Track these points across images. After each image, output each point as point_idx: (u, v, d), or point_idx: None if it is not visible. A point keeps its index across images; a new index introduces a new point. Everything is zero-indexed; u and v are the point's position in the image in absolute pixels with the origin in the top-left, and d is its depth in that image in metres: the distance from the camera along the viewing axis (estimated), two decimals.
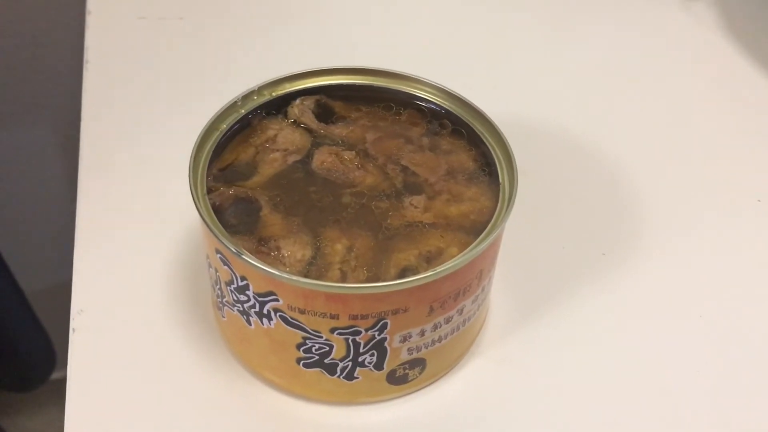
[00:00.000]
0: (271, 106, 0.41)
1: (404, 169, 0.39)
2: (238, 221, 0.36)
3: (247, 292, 0.34)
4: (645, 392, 0.40)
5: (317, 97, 0.41)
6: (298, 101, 0.41)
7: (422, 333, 0.35)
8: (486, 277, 0.37)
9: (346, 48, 0.58)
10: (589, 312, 0.43)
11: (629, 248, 0.46)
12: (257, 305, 0.35)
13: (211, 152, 0.38)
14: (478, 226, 0.36)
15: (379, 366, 0.36)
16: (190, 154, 0.37)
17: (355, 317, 0.33)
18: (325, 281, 0.34)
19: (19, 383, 0.94)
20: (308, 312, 0.33)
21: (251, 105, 0.40)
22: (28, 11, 0.76)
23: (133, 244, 0.44)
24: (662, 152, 0.52)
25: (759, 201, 0.49)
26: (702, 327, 0.42)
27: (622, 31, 0.62)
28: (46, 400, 1.08)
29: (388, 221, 0.37)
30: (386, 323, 0.34)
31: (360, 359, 0.35)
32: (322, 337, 0.34)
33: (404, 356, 0.36)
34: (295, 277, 0.33)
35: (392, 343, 0.35)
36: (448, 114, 0.41)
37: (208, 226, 0.34)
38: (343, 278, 0.34)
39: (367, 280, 0.34)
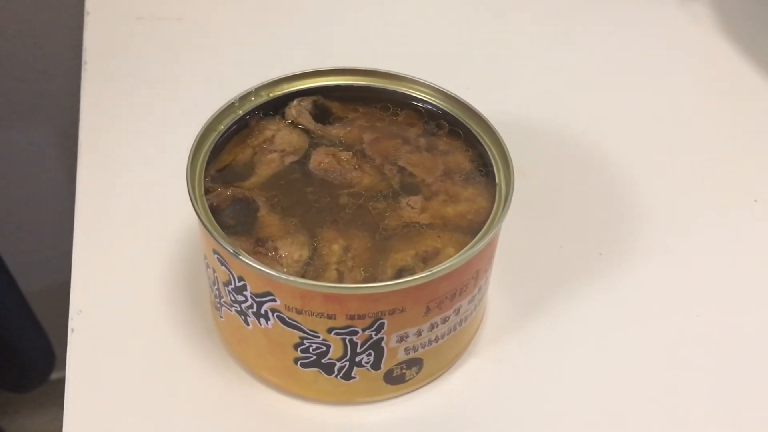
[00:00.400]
0: (269, 107, 0.41)
1: (401, 169, 0.39)
2: (236, 222, 0.36)
3: (244, 293, 0.35)
4: (642, 391, 0.40)
5: (314, 97, 0.42)
6: (295, 102, 0.41)
7: (419, 333, 0.35)
8: (483, 277, 0.37)
9: (343, 49, 0.59)
10: (587, 312, 0.43)
11: (626, 248, 0.46)
12: (255, 305, 0.35)
13: (208, 153, 0.38)
14: (474, 226, 0.36)
15: (376, 366, 0.36)
16: (187, 155, 0.37)
17: (352, 317, 0.34)
18: (322, 282, 0.34)
19: (18, 383, 0.94)
20: (305, 312, 0.34)
21: (249, 106, 0.40)
22: (26, 11, 0.76)
23: (132, 245, 0.44)
24: (659, 152, 0.53)
25: (756, 201, 0.49)
26: (700, 326, 0.43)
27: (620, 31, 0.63)
28: (46, 400, 1.08)
29: (385, 222, 0.37)
30: (383, 323, 0.34)
31: (357, 359, 0.36)
32: (319, 337, 0.34)
33: (401, 356, 0.36)
34: (292, 278, 0.33)
35: (389, 343, 0.35)
36: (445, 114, 0.41)
37: (205, 226, 0.34)
38: (340, 279, 0.35)
39: (364, 281, 0.35)
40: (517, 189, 0.37)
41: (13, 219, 0.95)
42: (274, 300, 0.34)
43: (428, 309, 0.35)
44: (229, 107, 0.40)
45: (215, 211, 0.36)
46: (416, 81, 0.41)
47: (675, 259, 0.46)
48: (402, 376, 0.37)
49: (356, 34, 0.60)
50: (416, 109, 0.41)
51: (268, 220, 0.36)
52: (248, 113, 0.40)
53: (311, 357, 0.36)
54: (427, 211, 0.37)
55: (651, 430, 0.38)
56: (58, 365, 0.93)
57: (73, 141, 0.51)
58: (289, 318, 0.34)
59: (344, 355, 0.35)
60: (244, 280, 0.34)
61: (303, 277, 0.34)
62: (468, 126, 0.40)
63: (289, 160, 0.39)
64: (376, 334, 0.35)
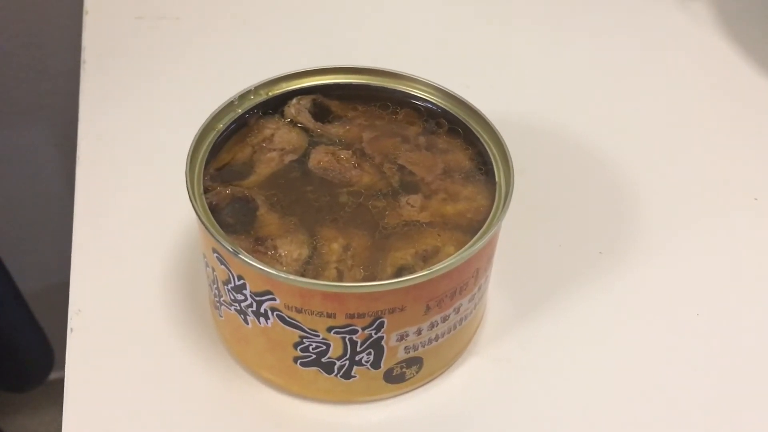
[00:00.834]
0: (268, 105, 0.41)
1: (401, 168, 0.39)
2: (235, 221, 0.36)
3: (244, 291, 0.34)
4: (642, 390, 0.40)
5: (314, 96, 0.41)
6: (294, 101, 0.41)
7: (419, 332, 0.35)
8: (483, 275, 0.37)
9: (342, 47, 0.58)
10: (586, 310, 0.43)
11: (626, 247, 0.46)
12: (254, 304, 0.35)
13: (207, 152, 0.38)
14: (474, 224, 0.36)
15: (376, 365, 0.36)
16: (186, 154, 0.37)
17: (351, 316, 0.33)
18: (321, 280, 0.34)
19: (17, 383, 0.94)
20: (305, 311, 0.33)
21: (248, 104, 0.40)
22: (25, 11, 0.76)
23: (131, 244, 0.44)
24: (659, 151, 0.52)
25: (756, 199, 0.49)
26: (699, 325, 0.43)
27: (620, 30, 0.62)
28: (46, 400, 1.08)
29: (385, 220, 0.37)
30: (383, 322, 0.34)
31: (357, 358, 0.35)
32: (319, 336, 0.34)
33: (401, 355, 0.36)
34: (292, 276, 0.33)
35: (389, 341, 0.35)
36: (445, 113, 0.41)
37: (204, 225, 0.34)
38: (340, 277, 0.34)
39: (364, 279, 0.34)
40: (517, 188, 0.37)
41: (12, 219, 0.95)
42: (273, 299, 0.34)
43: (428, 308, 0.35)
44: (229, 106, 0.40)
45: (214, 209, 0.36)
46: (416, 79, 0.41)
47: (675, 257, 0.46)
48: (402, 375, 0.37)
49: (356, 32, 0.60)
50: (416, 107, 0.41)
51: (268, 218, 0.36)
52: (247, 112, 0.40)
53: (311, 356, 0.36)
54: (427, 210, 0.37)
55: (651, 429, 0.38)
56: (57, 365, 0.93)
57: (72, 140, 0.51)
58: (288, 317, 0.34)
59: (344, 354, 0.35)
60: (243, 279, 0.34)
61: (302, 275, 0.34)
62: (468, 124, 0.40)
63: (288, 158, 0.39)
64: (375, 333, 0.34)
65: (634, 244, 0.46)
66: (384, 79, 0.42)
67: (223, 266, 0.35)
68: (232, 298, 0.36)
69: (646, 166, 0.51)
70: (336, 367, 0.36)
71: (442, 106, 0.41)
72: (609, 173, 0.50)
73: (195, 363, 0.39)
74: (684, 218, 0.48)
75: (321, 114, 0.41)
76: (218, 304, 0.38)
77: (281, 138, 0.40)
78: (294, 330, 0.34)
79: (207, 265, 0.37)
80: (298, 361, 0.36)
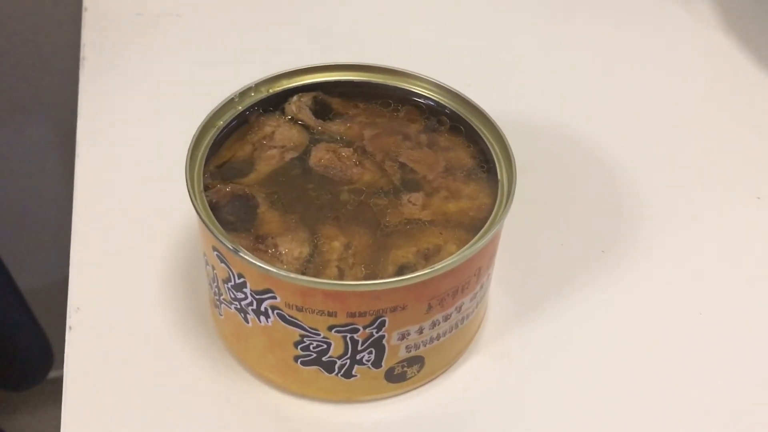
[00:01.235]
0: (269, 102, 0.40)
1: (402, 165, 0.39)
2: (235, 218, 0.36)
3: (244, 290, 0.34)
4: (644, 389, 0.39)
5: (315, 93, 0.41)
6: (295, 98, 0.41)
7: (420, 331, 0.35)
8: (485, 274, 0.37)
9: (343, 44, 0.58)
10: (588, 309, 0.43)
11: (628, 245, 0.46)
12: (255, 303, 0.34)
13: (207, 149, 0.37)
14: (476, 223, 0.36)
15: (377, 364, 0.36)
16: (186, 151, 0.36)
17: (353, 315, 0.33)
18: (322, 279, 0.34)
19: (17, 382, 0.93)
20: (306, 309, 0.33)
21: (248, 102, 0.40)
22: (24, 8, 0.76)
23: (130, 242, 0.44)
24: (661, 149, 0.52)
25: (758, 198, 0.49)
26: (702, 324, 0.42)
27: (622, 28, 0.62)
28: (45, 399, 1.08)
29: (387, 218, 0.36)
30: (384, 321, 0.34)
31: (358, 357, 0.35)
32: (319, 334, 0.34)
33: (402, 354, 0.36)
34: (292, 275, 0.32)
35: (390, 340, 0.35)
36: (446, 110, 0.40)
37: (205, 223, 0.34)
38: (341, 276, 0.34)
39: (365, 278, 0.34)
40: (519, 186, 0.37)
41: (11, 216, 0.94)
42: (274, 297, 0.33)
43: (430, 306, 0.34)
44: (229, 103, 0.39)
45: (214, 207, 0.35)
46: (417, 77, 0.41)
47: (677, 256, 0.46)
48: (403, 374, 0.37)
49: (357, 29, 0.60)
50: (417, 105, 0.41)
51: (268, 216, 0.36)
52: (248, 109, 0.40)
53: (311, 355, 0.35)
54: (429, 208, 0.37)
55: (652, 427, 0.38)
56: (56, 364, 0.93)
57: (71, 138, 0.50)
58: (289, 315, 0.34)
59: (345, 353, 0.35)
60: (243, 277, 0.34)
61: (303, 274, 0.34)
62: (469, 122, 0.40)
63: (289, 156, 0.39)
64: (377, 332, 0.34)
65: (636, 242, 0.46)
66: (385, 76, 0.41)
67: (223, 264, 0.34)
68: (233, 296, 0.35)
69: (649, 164, 0.51)
70: (337, 366, 0.36)
71: (443, 103, 0.41)
72: (611, 172, 0.50)
73: (195, 362, 0.39)
74: (686, 217, 0.48)
75: (322, 111, 0.41)
76: (218, 303, 0.38)
77: (282, 135, 0.40)
78: (294, 329, 0.34)
79: (207, 264, 0.37)
80: (299, 360, 0.36)
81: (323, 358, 0.35)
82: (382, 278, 0.34)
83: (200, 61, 0.56)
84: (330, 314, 0.33)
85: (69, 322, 0.40)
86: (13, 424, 1.09)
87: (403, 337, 0.35)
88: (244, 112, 0.40)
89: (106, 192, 0.47)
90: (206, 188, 0.36)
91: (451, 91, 0.40)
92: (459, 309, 0.36)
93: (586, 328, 0.42)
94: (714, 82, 0.58)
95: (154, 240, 0.44)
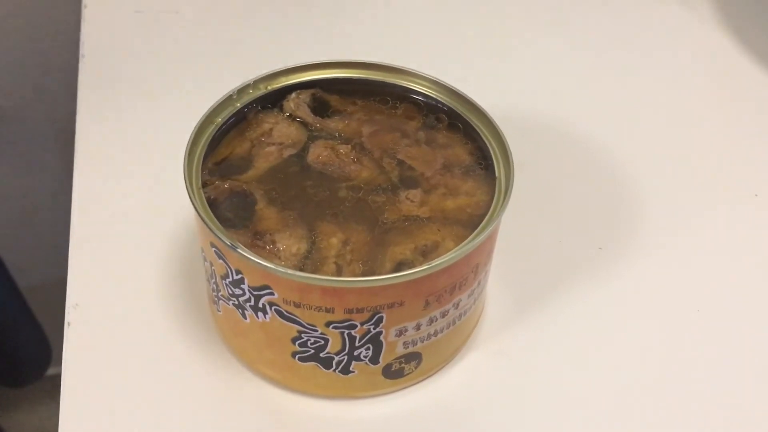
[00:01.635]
0: (267, 99, 0.41)
1: (400, 162, 0.39)
2: (234, 215, 0.36)
3: (242, 286, 0.34)
4: (642, 385, 0.39)
5: (313, 90, 0.41)
6: (293, 95, 0.41)
7: (418, 327, 0.35)
8: (482, 271, 0.37)
9: (341, 42, 0.58)
10: (586, 306, 0.43)
11: (626, 242, 0.46)
12: (252, 299, 0.34)
13: (206, 146, 0.37)
14: (474, 219, 0.36)
15: (374, 360, 0.36)
16: (185, 148, 0.36)
17: (350, 311, 0.33)
18: (320, 275, 0.34)
19: (15, 379, 0.93)
20: (303, 306, 0.33)
21: (247, 99, 0.40)
22: (24, 5, 0.76)
23: (129, 239, 0.44)
24: (660, 146, 0.52)
25: (756, 195, 0.49)
26: (700, 321, 0.42)
27: (621, 26, 0.62)
28: (43, 396, 1.08)
29: (385, 215, 0.36)
30: (382, 317, 0.34)
31: (355, 353, 0.35)
32: (317, 330, 0.34)
33: (400, 350, 0.36)
34: (290, 271, 0.32)
35: (388, 337, 0.35)
36: (444, 108, 0.40)
37: (203, 219, 0.34)
38: (339, 272, 0.34)
39: (363, 274, 0.34)
40: (517, 183, 0.37)
41: (9, 213, 0.95)
42: (272, 293, 0.33)
43: (427, 303, 0.34)
44: (227, 100, 0.39)
45: (213, 204, 0.35)
46: (415, 74, 0.41)
47: (675, 253, 0.46)
48: (401, 371, 0.37)
49: (355, 27, 0.60)
50: (415, 102, 0.41)
51: (266, 213, 0.36)
52: (246, 106, 0.40)
53: (309, 351, 0.35)
54: (427, 205, 0.37)
55: (650, 424, 0.38)
56: (54, 361, 0.93)
57: (69, 135, 0.50)
58: (287, 311, 0.34)
59: (342, 349, 0.35)
60: (241, 273, 0.34)
61: (301, 270, 0.34)
62: (467, 119, 0.40)
63: (287, 153, 0.39)
64: (374, 328, 0.34)
65: (634, 239, 0.46)
66: (383, 73, 0.41)
67: (221, 261, 0.35)
68: (230, 292, 0.35)
69: (647, 161, 0.51)
70: (334, 362, 0.36)
71: (441, 100, 0.41)
72: (609, 169, 0.50)
73: (193, 358, 0.39)
74: (684, 214, 0.48)
75: (320, 108, 0.41)
76: (216, 299, 0.38)
77: (280, 132, 0.40)
78: (292, 325, 0.34)
79: (205, 260, 0.37)
80: (297, 356, 0.36)
81: (321, 355, 0.35)
82: (379, 275, 0.34)
83: (199, 58, 0.56)
84: (328, 310, 0.33)
85: (68, 318, 0.40)
86: (12, 421, 1.09)
87: (400, 333, 0.35)
88: (242, 109, 0.40)
89: (104, 188, 0.47)
90: (204, 185, 0.36)
91: (449, 88, 0.41)
92: (456, 305, 0.36)
93: (583, 325, 0.42)
94: (712, 80, 0.58)
95: (153, 236, 0.44)
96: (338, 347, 0.35)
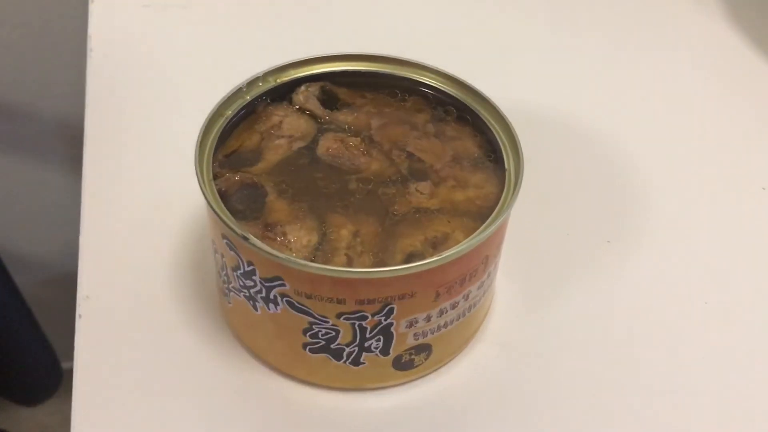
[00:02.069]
0: (276, 92, 0.41)
1: (410, 155, 0.39)
2: (244, 207, 0.36)
3: (253, 277, 0.34)
4: (650, 378, 0.40)
5: (322, 83, 0.41)
6: (302, 88, 0.41)
7: (428, 318, 0.35)
8: (492, 262, 0.37)
9: (351, 34, 0.58)
10: (594, 298, 0.43)
11: (634, 236, 0.46)
12: (264, 290, 0.35)
13: (216, 138, 0.38)
14: (484, 211, 0.36)
15: (385, 351, 0.36)
16: (195, 141, 0.37)
17: (361, 302, 0.33)
18: (331, 266, 0.34)
19: (26, 397, 0.94)
20: (315, 297, 0.33)
21: (256, 91, 0.40)
22: (31, 1, 0.76)
23: (139, 230, 0.44)
24: (667, 140, 0.52)
25: (764, 189, 0.49)
26: (707, 314, 0.42)
27: (627, 19, 0.62)
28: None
29: (395, 207, 0.37)
30: (392, 308, 0.34)
31: (366, 344, 0.35)
32: (328, 322, 0.34)
33: (410, 342, 0.36)
34: (302, 262, 0.33)
35: (398, 328, 0.35)
36: (454, 100, 0.41)
37: (214, 211, 0.34)
38: (349, 263, 0.34)
39: (374, 266, 0.34)
40: (526, 176, 0.37)
41: (17, 209, 0.95)
42: (283, 285, 0.34)
43: (438, 294, 0.35)
44: (237, 93, 0.39)
45: (224, 196, 0.36)
46: (424, 67, 0.41)
47: (682, 247, 0.46)
48: (411, 362, 0.37)
49: (364, 19, 0.60)
50: (424, 95, 0.41)
51: (277, 205, 0.36)
52: (256, 99, 0.40)
53: (320, 342, 0.36)
54: (436, 197, 0.37)
55: (658, 417, 0.38)
56: (65, 357, 0.93)
57: (78, 130, 0.51)
58: (298, 303, 0.34)
59: (353, 341, 0.35)
60: (253, 264, 0.34)
61: (312, 261, 0.34)
62: (477, 112, 0.40)
63: (297, 145, 0.39)
64: (385, 320, 0.34)
65: (642, 233, 0.46)
66: (392, 66, 0.41)
67: (232, 252, 0.35)
68: (242, 284, 0.36)
69: (654, 155, 0.51)
70: (345, 354, 0.36)
71: (450, 93, 0.41)
72: (616, 162, 0.50)
73: (203, 349, 0.39)
74: (692, 208, 0.48)
75: (329, 101, 0.41)
76: (227, 291, 0.38)
77: (290, 125, 0.40)
78: (303, 316, 0.34)
79: (216, 252, 0.37)
80: (307, 348, 0.36)
81: (332, 346, 0.36)
82: (390, 266, 0.34)
83: (207, 52, 0.56)
84: (339, 302, 0.33)
85: (79, 310, 0.40)
86: (16, 416, 1.09)
87: (411, 324, 0.35)
88: (252, 101, 0.40)
89: (114, 181, 0.47)
90: (215, 177, 0.36)
91: (458, 80, 0.41)
92: (466, 297, 0.36)
93: (591, 317, 0.42)
94: (719, 73, 0.58)
95: (163, 229, 0.44)
96: (349, 338, 0.35)
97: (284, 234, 0.35)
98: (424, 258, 0.33)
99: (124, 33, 0.57)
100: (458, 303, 0.36)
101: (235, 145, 0.39)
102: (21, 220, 0.96)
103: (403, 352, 0.36)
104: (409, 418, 0.38)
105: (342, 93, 0.42)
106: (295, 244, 0.35)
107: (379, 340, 0.35)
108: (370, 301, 0.33)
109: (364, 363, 0.36)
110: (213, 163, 0.37)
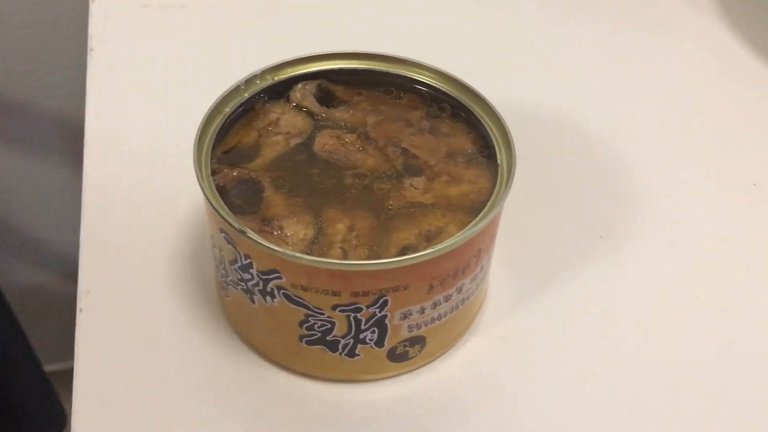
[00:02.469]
0: (274, 90, 0.41)
1: (404, 151, 0.40)
2: (242, 202, 0.37)
3: (250, 271, 0.35)
4: (642, 371, 0.40)
5: (319, 81, 0.42)
6: (299, 85, 0.42)
7: (422, 310, 0.36)
8: (485, 256, 0.38)
9: (347, 33, 0.59)
10: (587, 292, 0.43)
11: (626, 231, 0.47)
12: (261, 283, 0.35)
13: (214, 135, 0.38)
14: (477, 206, 0.37)
15: (380, 343, 0.37)
16: (194, 137, 0.37)
17: (356, 294, 0.34)
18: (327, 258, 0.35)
19: None
20: (311, 289, 0.34)
21: (254, 89, 0.41)
22: (30, 1, 0.77)
23: (139, 226, 0.45)
24: (659, 136, 0.53)
25: (755, 185, 0.50)
26: (698, 306, 0.43)
27: (621, 17, 0.63)
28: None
29: (390, 202, 0.37)
30: (387, 300, 0.35)
31: (361, 336, 0.36)
32: (324, 314, 0.35)
33: (405, 334, 0.37)
34: (298, 254, 0.33)
35: (393, 320, 0.36)
36: (448, 97, 0.41)
37: (213, 206, 0.35)
38: (345, 257, 0.35)
39: (368, 259, 0.35)
40: (519, 172, 0.37)
41: (18, 208, 0.95)
42: (279, 277, 0.34)
43: (431, 287, 0.35)
44: (235, 90, 0.40)
45: (222, 191, 0.36)
46: (419, 65, 0.42)
47: (673, 241, 0.46)
48: (405, 354, 0.38)
49: (360, 18, 0.61)
50: (419, 92, 0.42)
51: (274, 200, 0.37)
52: (253, 96, 0.41)
53: (316, 334, 0.36)
54: (431, 192, 0.38)
55: (652, 409, 0.39)
56: (59, 356, 0.93)
57: (78, 130, 0.51)
58: (294, 295, 0.35)
59: (348, 332, 0.36)
60: (250, 258, 0.35)
61: (308, 254, 0.35)
62: (470, 109, 0.40)
63: (293, 142, 0.40)
64: (379, 312, 0.35)
65: (634, 227, 0.47)
66: (388, 64, 0.42)
67: (230, 246, 0.35)
68: (239, 277, 0.36)
69: (646, 151, 0.52)
70: (341, 346, 0.37)
71: (445, 90, 0.41)
72: (609, 158, 0.51)
73: (202, 343, 0.40)
74: (683, 203, 0.49)
75: (326, 99, 0.42)
76: (225, 284, 0.38)
77: (287, 122, 0.40)
78: (299, 308, 0.35)
79: (214, 246, 0.38)
80: (304, 340, 0.37)
81: (327, 338, 0.36)
82: (385, 258, 0.35)
83: (206, 50, 0.57)
84: (334, 294, 0.34)
85: (79, 304, 0.41)
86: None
87: (405, 316, 0.36)
88: (249, 99, 0.40)
89: (114, 177, 0.48)
90: (213, 173, 0.37)
91: (452, 78, 0.41)
92: (460, 290, 0.37)
93: (584, 310, 0.43)
94: (711, 70, 0.59)
95: (162, 224, 0.45)
96: (344, 330, 0.36)
97: (281, 228, 0.36)
98: (417, 251, 0.34)
99: (123, 32, 0.58)
100: (452, 295, 0.37)
101: (233, 141, 0.39)
102: (21, 221, 0.97)
103: (398, 344, 0.37)
104: (403, 410, 0.38)
105: (338, 90, 0.42)
106: (291, 238, 0.35)
107: (373, 332, 0.36)
108: (365, 293, 0.34)
109: (359, 355, 0.37)
110: (211, 159, 0.37)
